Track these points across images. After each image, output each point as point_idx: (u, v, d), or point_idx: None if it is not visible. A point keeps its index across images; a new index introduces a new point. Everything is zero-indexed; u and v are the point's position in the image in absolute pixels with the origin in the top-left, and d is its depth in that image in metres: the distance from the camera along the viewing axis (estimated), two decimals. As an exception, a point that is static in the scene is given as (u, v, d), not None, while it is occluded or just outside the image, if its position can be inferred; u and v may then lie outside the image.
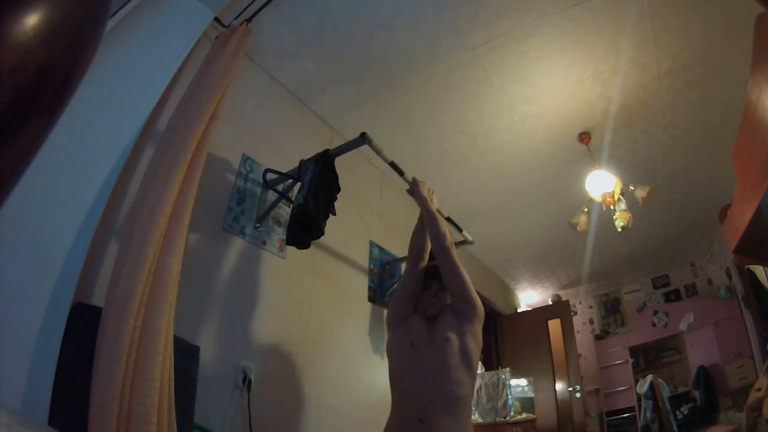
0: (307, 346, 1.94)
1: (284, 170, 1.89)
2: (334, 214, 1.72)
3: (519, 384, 3.99)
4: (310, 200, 1.59)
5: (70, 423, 0.98)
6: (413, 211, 1.77)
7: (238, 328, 1.64)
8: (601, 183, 2.58)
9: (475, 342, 1.43)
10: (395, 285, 2.66)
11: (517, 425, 3.28)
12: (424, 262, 1.65)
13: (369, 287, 2.49)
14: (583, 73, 2.35)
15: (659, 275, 5.59)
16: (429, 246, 1.66)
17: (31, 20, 0.33)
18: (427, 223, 1.61)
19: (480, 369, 3.71)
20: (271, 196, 1.96)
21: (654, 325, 5.07)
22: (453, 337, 1.39)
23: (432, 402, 1.28)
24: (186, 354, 1.34)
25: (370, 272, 2.54)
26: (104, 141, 1.27)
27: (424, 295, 1.56)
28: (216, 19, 1.80)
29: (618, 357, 5.21)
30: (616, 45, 2.18)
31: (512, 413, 3.38)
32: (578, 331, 5.51)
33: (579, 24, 2.05)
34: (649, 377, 4.52)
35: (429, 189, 1.78)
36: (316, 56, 2.15)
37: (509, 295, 5.41)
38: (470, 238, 2.45)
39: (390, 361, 1.51)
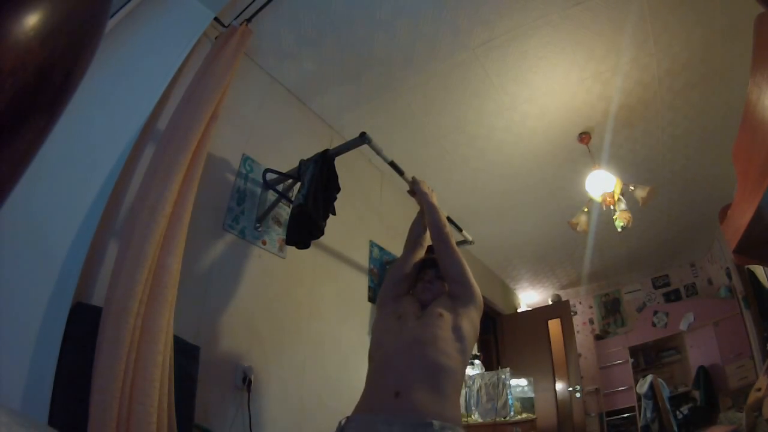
0: (307, 346, 1.94)
1: (284, 170, 1.89)
2: (334, 214, 1.72)
3: (519, 384, 3.99)
4: (309, 200, 1.59)
5: (70, 423, 0.98)
6: (413, 211, 1.77)
7: (238, 328, 1.64)
8: (601, 183, 2.58)
9: (471, 325, 1.30)
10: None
11: (517, 425, 3.27)
12: (422, 250, 1.61)
13: (369, 287, 2.49)
14: (583, 73, 2.35)
15: (659, 275, 5.59)
16: (427, 236, 1.62)
17: (31, 20, 0.33)
18: (427, 213, 1.59)
19: (480, 369, 3.71)
20: (271, 196, 1.96)
21: (654, 325, 5.07)
22: (446, 314, 1.27)
23: (412, 371, 1.09)
24: (186, 354, 1.34)
25: (370, 272, 2.54)
26: (104, 141, 1.27)
27: (419, 283, 1.49)
28: (216, 19, 1.80)
29: (618, 357, 5.21)
30: (616, 45, 2.18)
31: (512, 413, 3.38)
32: (578, 331, 5.51)
33: (579, 24, 2.05)
34: (649, 377, 4.51)
35: (429, 188, 1.78)
36: (316, 56, 2.15)
37: (509, 295, 5.41)
38: (470, 238, 2.45)
39: (372, 337, 1.39)
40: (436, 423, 0.97)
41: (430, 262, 1.53)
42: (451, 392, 1.10)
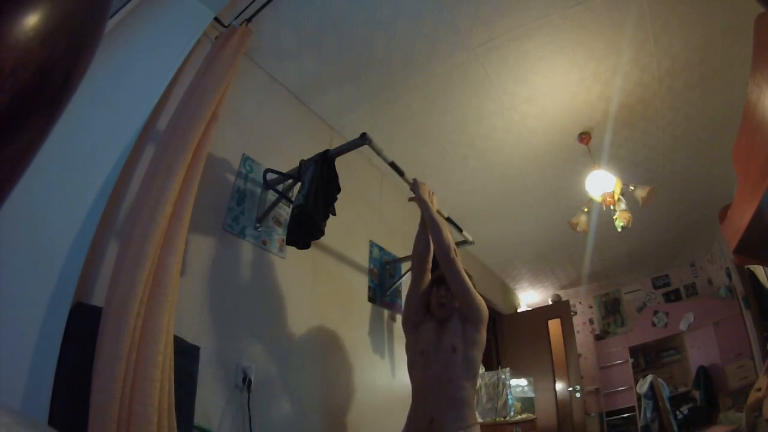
0: (307, 346, 1.94)
1: (284, 170, 1.89)
2: (334, 214, 1.72)
3: (519, 384, 3.99)
4: (310, 200, 1.59)
5: (70, 423, 0.97)
6: (413, 211, 1.78)
7: (238, 328, 1.64)
8: (601, 183, 2.58)
9: (479, 348, 1.59)
10: (395, 285, 2.66)
11: (517, 425, 3.28)
12: (428, 268, 1.77)
13: (369, 287, 2.49)
14: (583, 73, 2.35)
15: (659, 275, 5.60)
16: (431, 254, 1.77)
17: (31, 20, 0.33)
18: (432, 233, 1.69)
19: (480, 369, 3.71)
20: (271, 196, 1.96)
21: (654, 325, 5.07)
22: (459, 346, 1.55)
23: (440, 403, 1.48)
24: (186, 354, 1.34)
25: (370, 272, 2.54)
26: (104, 141, 1.27)
27: (433, 295, 1.71)
28: (216, 19, 1.80)
29: (618, 357, 5.22)
30: (616, 45, 2.18)
31: (512, 413, 3.38)
32: (578, 331, 5.52)
33: (579, 24, 2.05)
34: (649, 377, 4.52)
35: (429, 191, 1.80)
36: (316, 56, 2.15)
37: (509, 295, 5.41)
38: (470, 238, 2.45)
39: (407, 360, 1.72)
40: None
41: (440, 279, 1.70)
42: (468, 408, 1.49)
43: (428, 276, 1.78)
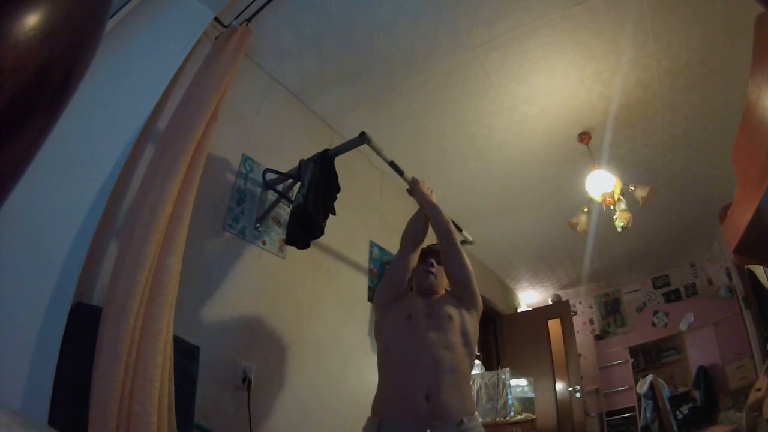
0: (307, 346, 1.94)
1: (284, 170, 1.89)
2: (334, 214, 1.72)
3: (519, 384, 3.99)
4: (309, 200, 1.59)
5: (70, 423, 0.98)
6: (413, 211, 1.77)
7: (238, 328, 1.64)
8: (601, 183, 2.58)
9: (474, 330, 1.39)
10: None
11: (517, 425, 3.28)
12: (418, 250, 1.60)
13: (369, 287, 2.49)
14: (583, 73, 2.35)
15: (659, 275, 5.59)
16: (425, 234, 1.64)
17: (31, 20, 0.33)
18: (430, 213, 1.60)
19: (480, 369, 3.71)
20: (271, 196, 1.96)
21: (654, 325, 5.07)
22: (455, 315, 1.35)
23: (435, 375, 1.20)
24: (186, 354, 1.34)
25: (370, 272, 2.54)
26: (104, 141, 1.27)
27: (419, 269, 1.52)
28: (216, 19, 1.80)
29: (618, 357, 5.21)
30: (616, 45, 2.17)
31: (512, 413, 3.38)
32: (578, 331, 5.51)
33: (579, 24, 2.05)
34: (649, 377, 4.51)
35: (428, 188, 1.79)
36: (316, 56, 2.15)
37: (509, 295, 5.41)
38: (470, 238, 2.45)
39: (379, 340, 1.41)
40: (465, 419, 1.16)
41: (431, 252, 1.58)
42: (466, 389, 1.27)
43: (417, 255, 1.59)
